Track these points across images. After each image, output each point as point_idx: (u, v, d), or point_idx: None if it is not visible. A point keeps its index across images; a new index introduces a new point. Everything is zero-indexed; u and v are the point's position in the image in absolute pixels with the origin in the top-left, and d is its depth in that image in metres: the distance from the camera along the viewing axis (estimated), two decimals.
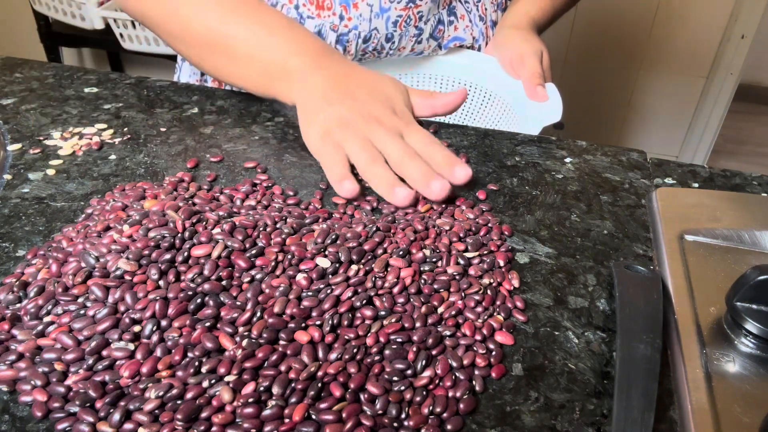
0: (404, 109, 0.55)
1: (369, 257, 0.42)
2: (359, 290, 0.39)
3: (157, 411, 0.32)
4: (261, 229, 0.43)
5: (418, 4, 0.72)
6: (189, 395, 0.33)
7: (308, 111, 0.54)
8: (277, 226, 0.44)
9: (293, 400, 0.33)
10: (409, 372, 0.35)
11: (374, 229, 0.44)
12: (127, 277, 0.38)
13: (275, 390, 0.33)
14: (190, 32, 0.60)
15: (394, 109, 0.53)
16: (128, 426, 0.31)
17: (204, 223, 0.43)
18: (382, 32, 0.72)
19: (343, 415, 0.32)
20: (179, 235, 0.41)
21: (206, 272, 0.39)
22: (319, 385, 0.33)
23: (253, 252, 0.41)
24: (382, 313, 0.38)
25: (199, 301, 0.37)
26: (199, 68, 0.63)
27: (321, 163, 0.51)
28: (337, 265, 0.41)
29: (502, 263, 0.44)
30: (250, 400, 0.32)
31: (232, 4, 0.59)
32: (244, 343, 0.35)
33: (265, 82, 0.58)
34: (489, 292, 0.41)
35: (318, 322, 0.37)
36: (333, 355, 0.35)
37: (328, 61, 0.57)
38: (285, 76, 0.56)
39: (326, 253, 0.41)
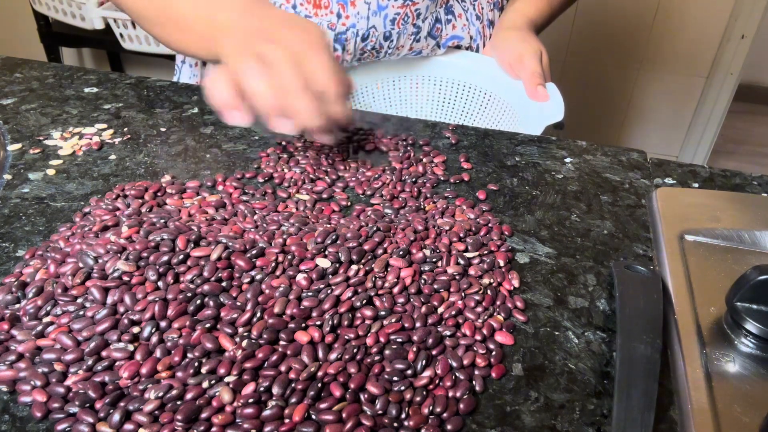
0: (317, 40, 0.51)
1: (369, 257, 0.42)
2: (359, 290, 0.39)
3: (156, 411, 0.32)
4: (261, 232, 0.43)
5: (415, 1, 0.72)
6: (189, 396, 0.33)
7: (225, 57, 0.53)
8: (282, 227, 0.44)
9: (293, 400, 0.33)
10: (409, 372, 0.35)
11: (374, 229, 0.44)
12: (126, 278, 0.38)
13: (275, 390, 0.33)
14: (146, 10, 0.61)
15: (303, 36, 0.51)
16: (128, 426, 0.31)
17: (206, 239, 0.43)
18: (380, 30, 0.72)
19: (343, 415, 0.32)
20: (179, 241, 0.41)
21: (206, 273, 0.39)
22: (319, 385, 0.33)
23: (254, 252, 0.41)
24: (382, 313, 0.38)
25: (198, 302, 0.37)
26: (169, 47, 0.64)
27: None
28: (337, 265, 0.41)
29: (502, 263, 0.44)
30: (250, 400, 0.32)
31: None
32: (244, 343, 0.35)
33: (206, 45, 0.58)
34: (489, 292, 0.41)
35: (318, 323, 0.37)
36: (333, 355, 0.35)
37: (254, 9, 0.55)
38: (215, 33, 0.56)
39: (326, 253, 0.41)
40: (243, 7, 0.56)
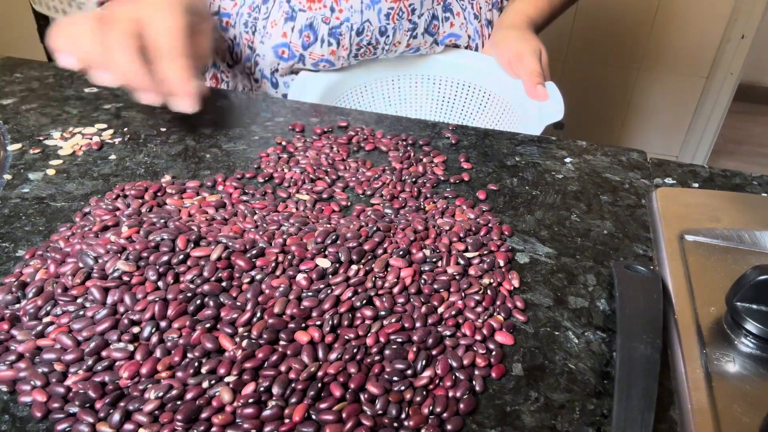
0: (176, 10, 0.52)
1: (369, 257, 0.42)
2: (359, 290, 0.39)
3: (156, 412, 0.32)
4: (261, 232, 0.43)
5: None
6: (189, 396, 0.33)
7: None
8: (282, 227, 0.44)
9: (293, 400, 0.33)
10: (409, 372, 0.35)
11: (374, 229, 0.44)
12: (126, 278, 0.38)
13: (275, 390, 0.33)
14: None
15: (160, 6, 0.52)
16: (128, 426, 0.31)
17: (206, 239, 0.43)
18: (375, 25, 0.72)
19: (343, 415, 0.32)
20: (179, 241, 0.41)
21: (206, 273, 0.39)
22: (319, 385, 0.33)
23: (254, 252, 0.41)
24: (382, 313, 0.38)
25: (198, 302, 0.37)
26: None
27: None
28: (337, 265, 0.41)
29: (502, 263, 0.44)
30: (250, 400, 0.32)
31: None
32: (244, 343, 0.35)
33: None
34: (489, 292, 0.41)
35: (318, 323, 0.37)
36: (333, 355, 0.35)
37: None
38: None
39: (326, 253, 0.41)
40: None
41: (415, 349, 0.36)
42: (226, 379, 0.34)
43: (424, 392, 0.34)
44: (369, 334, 0.37)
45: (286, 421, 0.32)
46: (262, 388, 0.33)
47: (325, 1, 0.71)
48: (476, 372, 0.36)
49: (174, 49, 0.50)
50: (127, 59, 0.48)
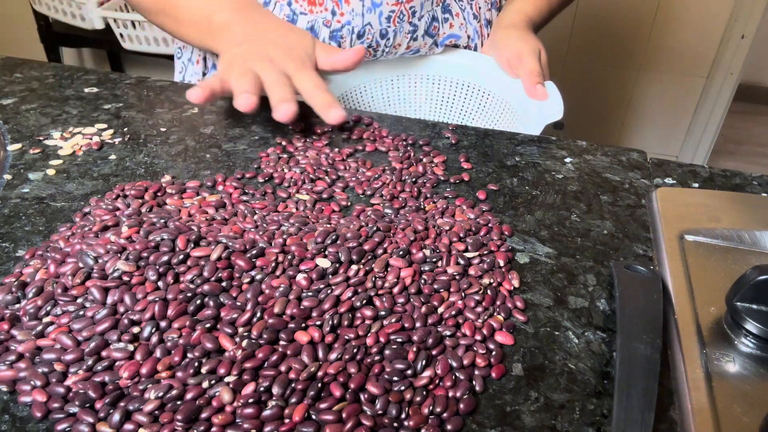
0: (303, 57, 0.62)
1: (369, 257, 0.42)
2: (359, 290, 0.39)
3: (156, 412, 0.32)
4: (261, 232, 0.43)
5: None
6: (189, 396, 0.33)
7: (222, 54, 0.63)
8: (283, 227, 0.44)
9: (293, 400, 0.33)
10: (409, 372, 0.35)
11: (374, 229, 0.44)
12: (126, 278, 0.38)
13: (275, 390, 0.33)
14: (148, 2, 0.69)
15: (292, 56, 0.61)
16: (128, 426, 0.31)
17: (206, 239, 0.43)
18: (375, 28, 0.73)
19: (343, 415, 0.32)
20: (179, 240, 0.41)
21: (206, 273, 0.39)
22: (319, 385, 0.33)
23: (254, 252, 0.41)
24: (382, 313, 0.38)
25: (198, 302, 0.37)
26: (163, 30, 0.73)
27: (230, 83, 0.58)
28: (337, 265, 0.41)
29: (502, 263, 0.44)
30: (250, 400, 0.32)
31: None
32: (244, 343, 0.35)
33: (202, 38, 0.67)
34: (489, 292, 0.41)
35: (318, 323, 0.37)
36: (333, 355, 0.35)
37: (246, 14, 0.65)
38: (213, 31, 0.65)
39: (326, 253, 0.41)
40: (236, 8, 0.64)
41: (415, 349, 0.36)
42: (226, 379, 0.34)
43: (424, 392, 0.34)
44: (369, 334, 0.37)
45: (286, 421, 0.32)
46: (262, 388, 0.33)
47: (326, 4, 0.71)
48: (476, 372, 0.36)
49: (318, 83, 0.59)
50: (279, 95, 0.56)
